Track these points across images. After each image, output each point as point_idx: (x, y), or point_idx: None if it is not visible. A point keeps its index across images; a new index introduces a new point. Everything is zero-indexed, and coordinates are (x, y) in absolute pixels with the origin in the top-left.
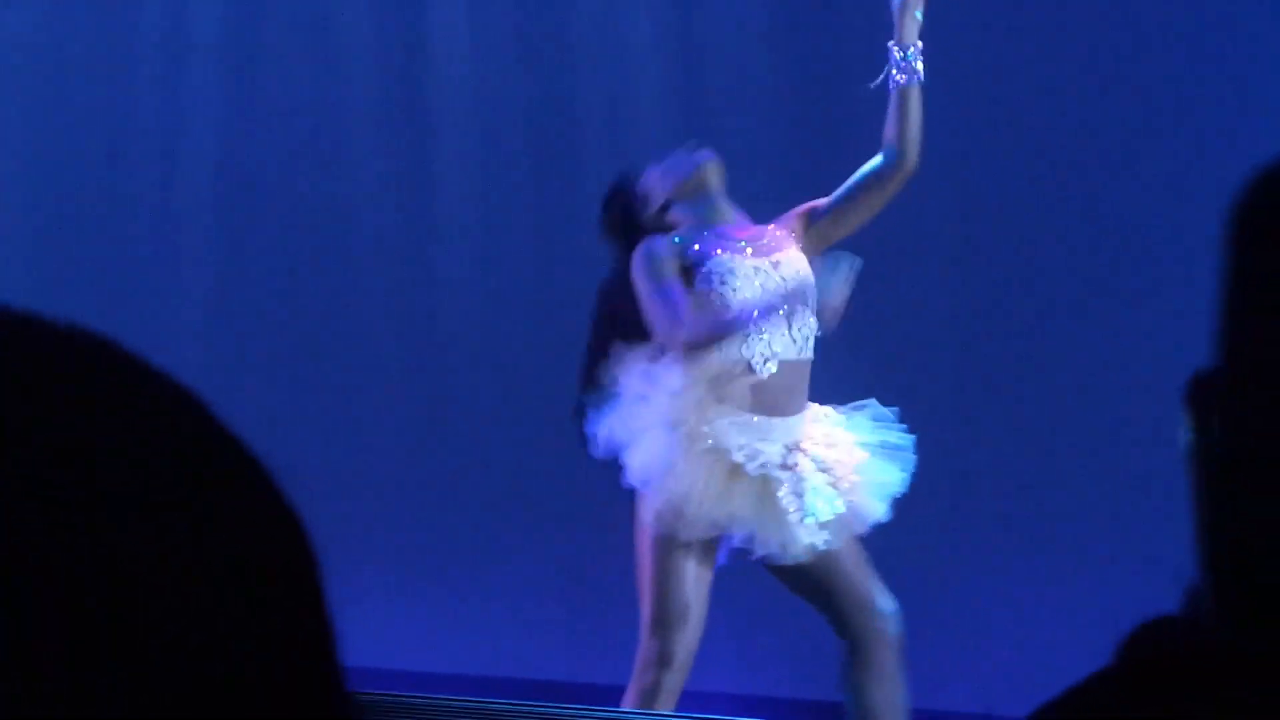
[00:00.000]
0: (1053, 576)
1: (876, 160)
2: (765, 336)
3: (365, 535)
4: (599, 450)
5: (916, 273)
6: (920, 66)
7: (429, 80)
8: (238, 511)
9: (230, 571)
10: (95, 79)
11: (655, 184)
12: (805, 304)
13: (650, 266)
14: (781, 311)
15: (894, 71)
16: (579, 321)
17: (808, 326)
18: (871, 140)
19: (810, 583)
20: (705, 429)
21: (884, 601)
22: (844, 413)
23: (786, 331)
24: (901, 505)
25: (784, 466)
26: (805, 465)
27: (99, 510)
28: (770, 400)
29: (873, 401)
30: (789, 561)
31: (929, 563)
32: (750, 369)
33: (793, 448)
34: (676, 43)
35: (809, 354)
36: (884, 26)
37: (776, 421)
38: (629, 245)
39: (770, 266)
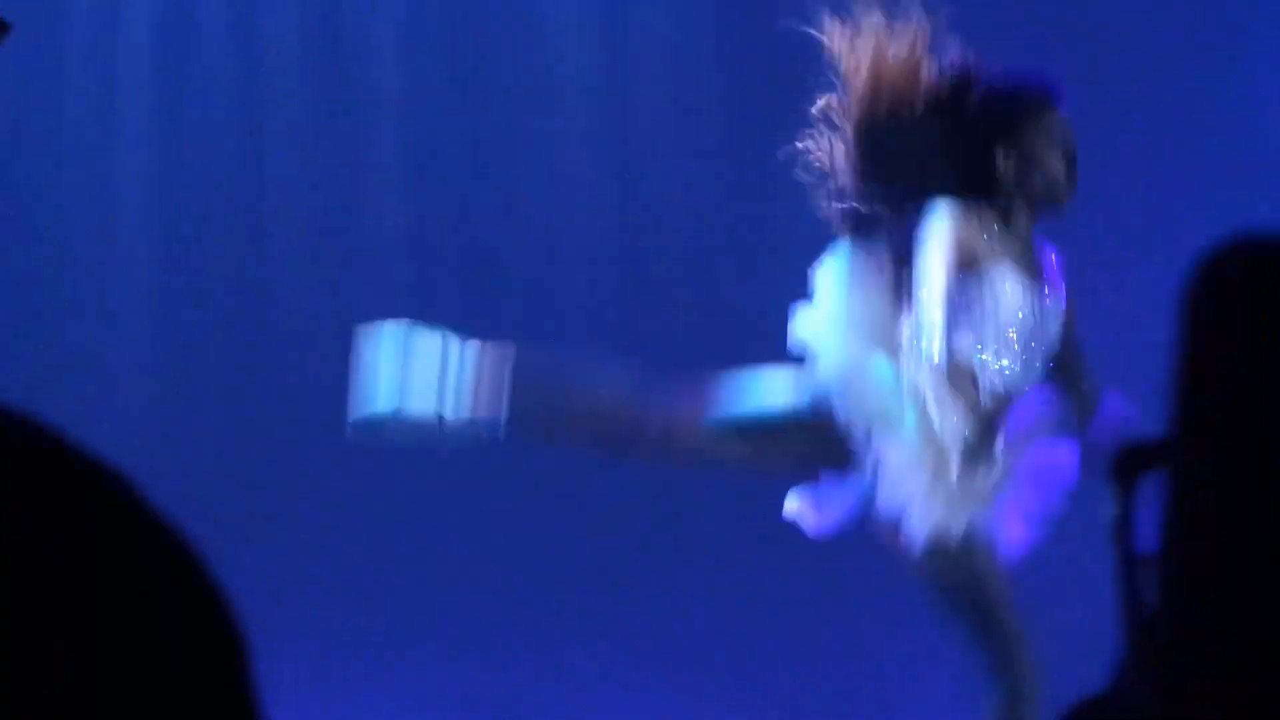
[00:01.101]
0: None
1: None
2: (1004, 362)
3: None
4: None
5: None
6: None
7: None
8: (160, 598)
9: (153, 657)
10: (24, 96)
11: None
12: (1047, 348)
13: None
14: (1026, 344)
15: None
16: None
17: (1041, 369)
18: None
19: (965, 588)
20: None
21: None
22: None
23: (1024, 364)
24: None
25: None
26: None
27: (14, 595)
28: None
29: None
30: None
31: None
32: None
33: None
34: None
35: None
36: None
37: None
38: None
39: (1041, 299)
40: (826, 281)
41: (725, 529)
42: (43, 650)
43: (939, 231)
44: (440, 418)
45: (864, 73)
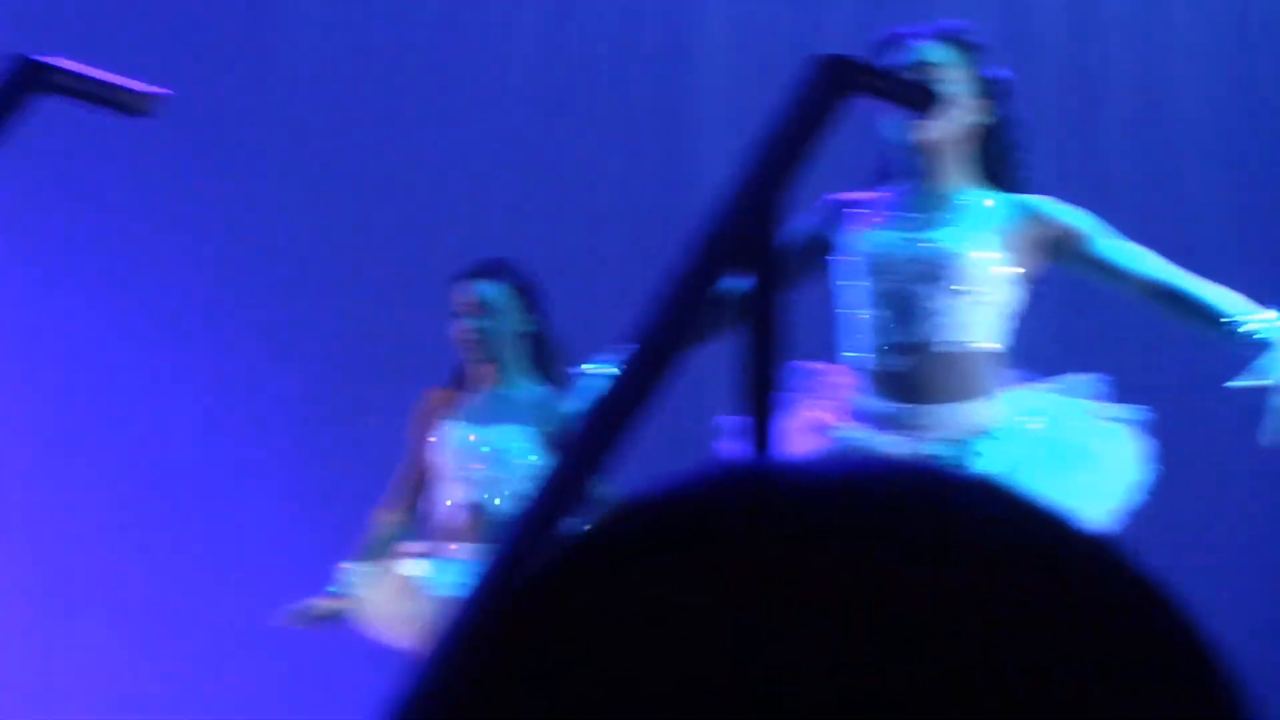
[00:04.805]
0: None
1: (1209, 306)
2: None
3: None
4: None
5: None
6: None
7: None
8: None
9: None
10: None
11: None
12: (935, 283)
13: None
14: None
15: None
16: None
17: (948, 309)
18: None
19: None
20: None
21: None
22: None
23: (904, 317)
24: None
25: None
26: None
27: None
28: (901, 392)
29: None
30: None
31: None
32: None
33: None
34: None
35: (955, 341)
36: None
37: (911, 410)
38: None
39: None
40: None
41: None
42: None
43: None
44: None
45: None
